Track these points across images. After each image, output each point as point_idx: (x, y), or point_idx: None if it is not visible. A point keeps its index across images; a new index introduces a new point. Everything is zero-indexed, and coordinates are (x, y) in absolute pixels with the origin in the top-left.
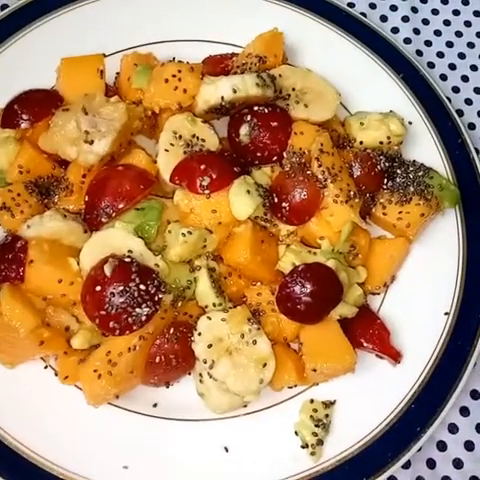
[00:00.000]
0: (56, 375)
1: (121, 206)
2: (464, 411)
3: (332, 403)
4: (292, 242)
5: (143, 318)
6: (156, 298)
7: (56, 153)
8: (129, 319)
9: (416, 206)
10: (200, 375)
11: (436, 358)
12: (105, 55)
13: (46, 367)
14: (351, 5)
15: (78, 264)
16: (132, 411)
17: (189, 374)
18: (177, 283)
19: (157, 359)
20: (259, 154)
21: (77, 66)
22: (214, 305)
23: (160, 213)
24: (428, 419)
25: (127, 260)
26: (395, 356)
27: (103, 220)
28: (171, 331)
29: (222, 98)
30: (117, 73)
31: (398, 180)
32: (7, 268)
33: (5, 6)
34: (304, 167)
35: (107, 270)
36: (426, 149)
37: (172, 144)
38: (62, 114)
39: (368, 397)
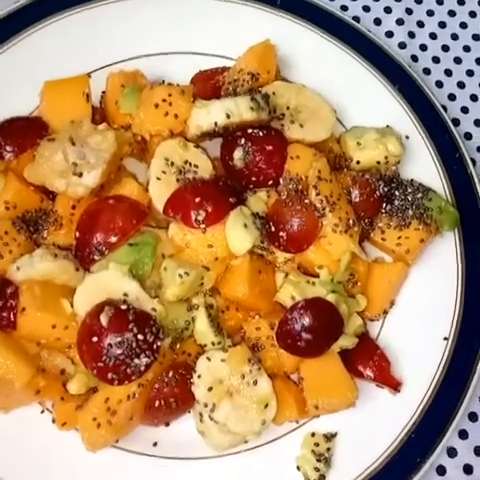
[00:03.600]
0: (53, 422)
1: (113, 242)
2: (463, 434)
3: (333, 436)
4: (290, 270)
5: (142, 368)
6: (155, 346)
7: (43, 185)
8: (128, 370)
9: (415, 231)
10: (200, 415)
11: (436, 385)
12: (89, 73)
13: (43, 411)
14: (344, 8)
15: (71, 306)
16: (132, 451)
17: (189, 412)
18: (175, 324)
19: (156, 403)
20: (254, 179)
21: (61, 90)
22: (213, 344)
23: (154, 248)
24: (429, 448)
25: (123, 307)
26: (395, 386)
27: (95, 257)
28: (170, 374)
29: (215, 124)
30: (103, 92)
31: (396, 203)
32: None
33: None
34: (301, 194)
35: (103, 320)
36: (424, 165)
37: (164, 172)
38: (48, 144)
39: (369, 428)
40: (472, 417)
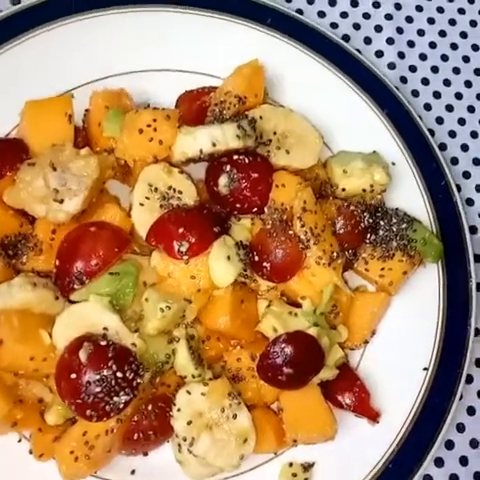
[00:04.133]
0: (31, 452)
1: (94, 271)
2: (439, 462)
3: (311, 465)
4: (272, 298)
5: (121, 405)
6: (134, 383)
7: (23, 209)
8: (106, 407)
9: (399, 263)
10: (179, 445)
11: (414, 415)
12: (71, 90)
13: (20, 440)
14: (334, 25)
15: (50, 336)
16: None
17: (167, 441)
18: (155, 358)
19: (135, 436)
20: (239, 205)
21: (43, 110)
22: (193, 376)
23: (136, 278)
24: (406, 477)
25: (103, 343)
26: (374, 417)
27: (75, 287)
28: (149, 407)
29: (201, 151)
30: (86, 110)
31: (381, 233)
32: None
33: None
34: (286, 225)
35: (82, 356)
36: (409, 192)
37: (147, 197)
38: (28, 169)
39: (347, 457)
40: (448, 445)
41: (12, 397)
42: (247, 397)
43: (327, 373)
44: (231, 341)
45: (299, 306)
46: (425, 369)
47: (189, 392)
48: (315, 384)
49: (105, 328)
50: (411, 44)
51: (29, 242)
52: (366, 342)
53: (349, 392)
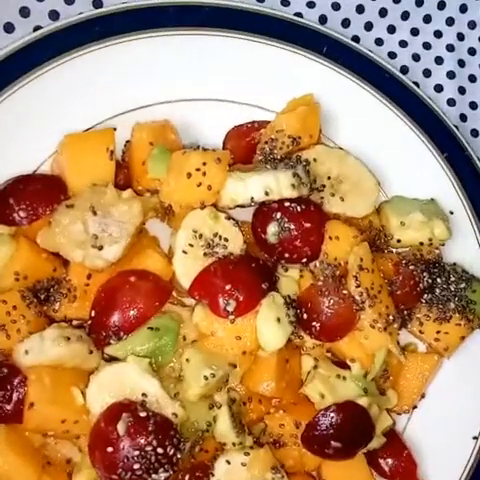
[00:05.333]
0: None
1: (132, 326)
2: None
3: None
4: (318, 356)
5: None
6: (174, 459)
7: (57, 252)
8: None
9: (456, 326)
10: None
11: None
12: (110, 119)
13: None
14: (392, 55)
15: (83, 394)
16: None
17: None
18: (195, 426)
19: None
20: (287, 255)
21: (83, 146)
22: (234, 444)
23: (177, 335)
24: None
25: (142, 415)
26: None
27: (111, 342)
28: (186, 478)
29: (252, 199)
30: (127, 141)
31: (438, 292)
32: (3, 409)
33: None
34: (339, 283)
35: (121, 429)
36: (468, 244)
37: (191, 244)
38: (66, 212)
39: None
40: None
41: (40, 460)
42: (288, 465)
43: (374, 443)
44: (272, 401)
45: (346, 365)
46: (475, 438)
47: (229, 462)
48: (361, 454)
49: (144, 394)
50: (472, 79)
51: (62, 288)
52: (415, 407)
53: (395, 461)
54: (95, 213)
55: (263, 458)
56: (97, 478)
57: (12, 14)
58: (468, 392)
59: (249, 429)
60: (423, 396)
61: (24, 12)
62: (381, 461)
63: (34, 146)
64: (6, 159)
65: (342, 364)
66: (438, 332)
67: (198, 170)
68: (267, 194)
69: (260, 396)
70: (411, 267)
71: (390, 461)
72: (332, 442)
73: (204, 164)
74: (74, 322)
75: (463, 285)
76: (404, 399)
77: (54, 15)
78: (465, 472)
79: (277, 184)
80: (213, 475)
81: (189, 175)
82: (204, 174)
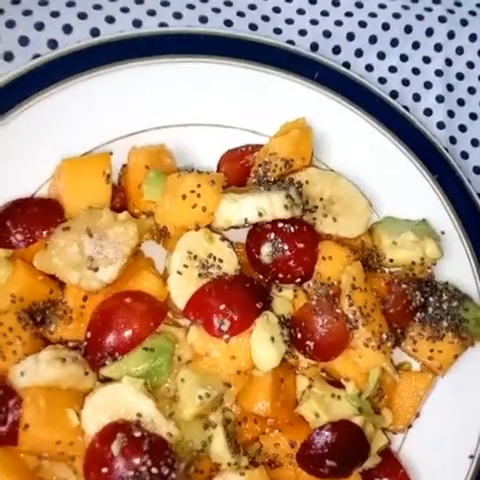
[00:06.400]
0: None
1: (127, 347)
2: None
3: None
4: (313, 376)
5: None
6: (169, 479)
7: (54, 274)
8: None
9: (450, 345)
10: None
11: None
12: (106, 144)
13: None
14: (382, 81)
15: (77, 415)
16: None
17: None
18: (190, 446)
19: None
20: (281, 275)
21: (80, 170)
22: (229, 464)
23: (172, 355)
24: None
25: (137, 435)
26: None
27: (107, 362)
28: None
29: (245, 220)
30: (124, 165)
31: (430, 311)
32: None
33: None
34: (332, 302)
35: (115, 449)
36: (459, 264)
37: (186, 265)
38: (62, 234)
39: None
40: None
41: None
42: None
43: (369, 462)
44: (267, 421)
45: (340, 384)
46: (471, 457)
47: None
48: (356, 473)
49: (139, 414)
50: (461, 102)
51: (58, 309)
52: (410, 426)
53: None
54: (91, 235)
55: (258, 478)
56: None
57: (12, 43)
58: (463, 411)
59: (244, 449)
60: (418, 415)
61: (23, 41)
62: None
63: (32, 170)
64: (5, 183)
65: (337, 384)
66: (432, 350)
67: (193, 192)
68: (261, 215)
69: (255, 416)
70: (403, 286)
71: None
72: (327, 461)
73: (199, 186)
74: (70, 344)
75: (456, 304)
76: (399, 418)
77: (52, 44)
78: None
79: (270, 205)
80: None
81: (184, 197)
82: (199, 196)
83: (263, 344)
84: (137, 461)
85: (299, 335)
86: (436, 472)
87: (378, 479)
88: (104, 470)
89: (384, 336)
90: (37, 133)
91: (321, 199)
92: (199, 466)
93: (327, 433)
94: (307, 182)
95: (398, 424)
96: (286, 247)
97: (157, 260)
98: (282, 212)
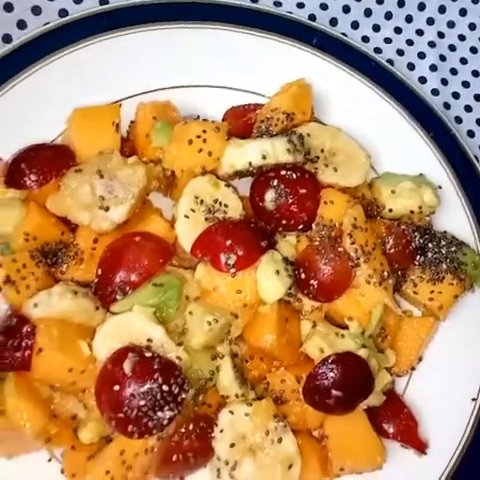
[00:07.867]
0: (62, 472)
1: (137, 282)
2: None
3: None
4: (317, 319)
5: (165, 422)
6: (179, 399)
7: (65, 216)
8: (149, 423)
9: (449, 286)
10: (218, 471)
11: (463, 447)
12: (118, 101)
13: (50, 460)
14: (378, 50)
15: (89, 347)
16: None
17: (204, 467)
18: (199, 374)
19: (174, 457)
20: (285, 222)
21: (90, 118)
22: (237, 396)
23: (180, 291)
24: None
25: (148, 355)
26: (421, 447)
27: (117, 297)
28: (190, 427)
29: (250, 164)
30: (132, 122)
31: (430, 255)
32: (12, 356)
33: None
34: (334, 242)
35: (127, 367)
36: (456, 216)
37: (193, 210)
38: (75, 176)
39: None
40: None
41: (48, 411)
42: (290, 421)
43: (374, 399)
44: (274, 362)
45: (344, 328)
46: (474, 400)
47: (232, 412)
48: (361, 410)
49: (149, 340)
50: (454, 72)
51: (70, 251)
52: (413, 369)
53: (396, 420)
54: (102, 176)
55: (265, 407)
56: (101, 431)
57: (25, 13)
58: (466, 355)
59: (251, 386)
60: (421, 359)
61: (36, 10)
62: (381, 421)
63: (48, 122)
64: (22, 135)
65: (340, 327)
66: (432, 292)
67: (198, 137)
68: (264, 158)
69: (261, 354)
70: (403, 226)
71: (390, 420)
72: (333, 391)
73: (204, 132)
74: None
75: (454, 248)
76: (402, 361)
77: (63, 13)
78: (465, 434)
79: (273, 149)
80: (217, 425)
81: (190, 142)
82: (204, 141)
83: (268, 277)
84: (148, 378)
85: (303, 275)
86: (439, 415)
87: (382, 418)
88: (115, 388)
89: (385, 273)
90: (53, 90)
91: (322, 151)
92: (207, 400)
93: (332, 363)
94: (308, 135)
95: (401, 367)
96: (289, 192)
97: (165, 212)
98: (285, 156)
